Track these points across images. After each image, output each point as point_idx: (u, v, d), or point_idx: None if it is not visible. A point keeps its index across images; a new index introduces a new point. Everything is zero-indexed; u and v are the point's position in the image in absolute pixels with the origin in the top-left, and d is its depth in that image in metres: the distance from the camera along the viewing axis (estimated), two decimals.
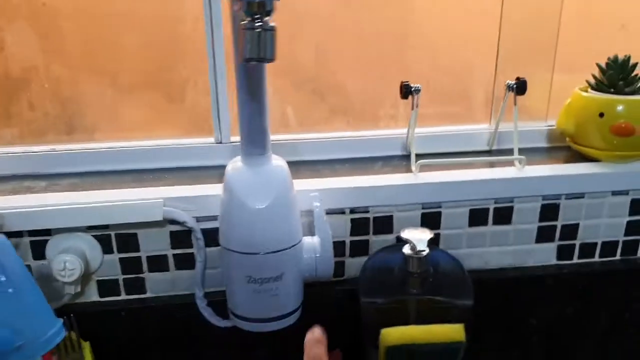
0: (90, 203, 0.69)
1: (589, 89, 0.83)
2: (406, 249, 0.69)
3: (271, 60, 0.45)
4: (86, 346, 0.68)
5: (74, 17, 0.78)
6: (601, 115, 0.77)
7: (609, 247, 0.83)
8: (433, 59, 0.88)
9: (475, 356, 0.71)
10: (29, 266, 0.70)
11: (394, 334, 0.65)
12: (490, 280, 0.79)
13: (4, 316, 0.49)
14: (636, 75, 0.79)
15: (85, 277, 0.72)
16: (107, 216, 0.69)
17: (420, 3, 0.85)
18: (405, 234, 0.68)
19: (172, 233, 0.73)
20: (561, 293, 0.82)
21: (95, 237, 0.72)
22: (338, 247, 0.76)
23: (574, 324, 0.84)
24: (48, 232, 0.70)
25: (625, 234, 0.83)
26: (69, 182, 0.77)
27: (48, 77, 0.80)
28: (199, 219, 0.72)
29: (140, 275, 0.74)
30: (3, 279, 0.50)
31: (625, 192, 0.80)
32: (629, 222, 0.82)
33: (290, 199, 0.64)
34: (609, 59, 0.81)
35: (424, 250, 0.66)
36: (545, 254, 0.82)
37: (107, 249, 0.72)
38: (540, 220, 0.80)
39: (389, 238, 0.77)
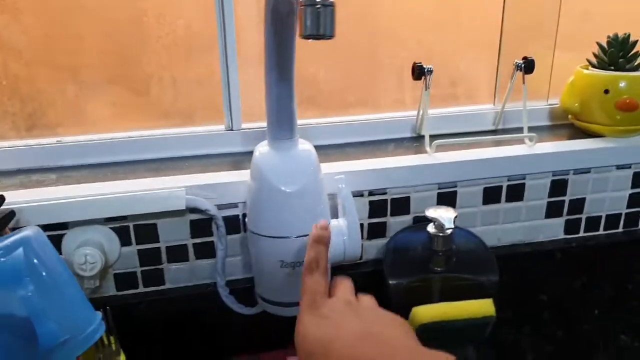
0: (109, 194, 0.67)
1: (590, 67, 0.85)
2: (431, 228, 0.70)
3: (331, 36, 0.45)
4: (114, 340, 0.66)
5: (33, 11, 0.74)
6: (606, 91, 0.80)
7: (612, 220, 0.86)
8: (432, 41, 0.89)
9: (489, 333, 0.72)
10: None
11: (425, 312, 0.65)
12: (503, 256, 0.81)
13: (49, 310, 0.47)
14: (636, 52, 0.82)
15: (102, 271, 0.70)
16: (127, 207, 0.68)
17: None
18: (431, 212, 0.69)
19: (192, 222, 0.72)
20: (569, 267, 0.84)
21: (113, 229, 0.70)
22: None
23: (581, 297, 0.86)
24: (64, 225, 0.68)
25: (628, 207, 0.86)
26: (80, 174, 0.74)
27: (6, 75, 0.76)
28: (219, 207, 0.71)
29: (159, 266, 0.73)
30: (44, 273, 0.48)
31: (628, 166, 0.83)
32: (631, 195, 0.85)
33: (319, 182, 0.64)
34: (608, 37, 0.83)
35: (450, 229, 0.67)
36: (554, 229, 0.84)
37: (124, 241, 0.71)
38: (550, 196, 0.82)
39: (407, 219, 0.78)
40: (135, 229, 0.70)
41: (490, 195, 0.79)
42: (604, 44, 0.84)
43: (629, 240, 0.86)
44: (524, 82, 0.81)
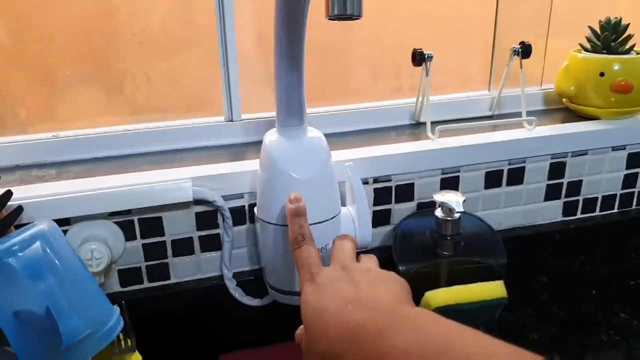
0: (113, 188, 0.65)
1: (583, 51, 0.86)
2: (439, 212, 0.70)
3: (359, 16, 0.44)
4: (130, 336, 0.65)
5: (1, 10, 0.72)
6: (602, 74, 0.81)
7: (608, 201, 0.88)
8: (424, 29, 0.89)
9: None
10: None
11: (438, 296, 0.66)
12: (505, 240, 0.81)
13: (72, 304, 0.46)
14: (628, 35, 0.83)
15: (107, 267, 0.69)
16: (132, 200, 0.66)
17: None
18: (438, 197, 0.69)
19: (197, 214, 0.70)
20: (568, 248, 0.85)
21: (117, 223, 0.68)
22: None
23: (580, 278, 0.88)
24: (67, 221, 0.66)
25: (622, 187, 0.88)
26: (80, 168, 0.72)
27: None
28: (225, 198, 0.70)
29: (165, 260, 0.72)
30: (62, 266, 0.47)
31: (623, 147, 0.85)
32: (626, 176, 0.87)
33: (330, 169, 0.63)
34: (601, 21, 0.85)
35: (459, 212, 0.67)
36: (553, 211, 0.85)
37: (129, 236, 0.69)
38: (549, 178, 0.83)
39: (411, 205, 0.78)
40: (140, 222, 0.69)
41: (492, 179, 0.80)
42: (596, 28, 0.85)
43: (624, 220, 0.88)
44: (521, 67, 0.82)
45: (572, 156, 0.82)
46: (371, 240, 0.68)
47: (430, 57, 0.78)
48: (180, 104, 0.80)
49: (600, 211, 0.88)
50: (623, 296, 0.88)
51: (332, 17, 0.44)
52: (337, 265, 0.50)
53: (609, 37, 0.83)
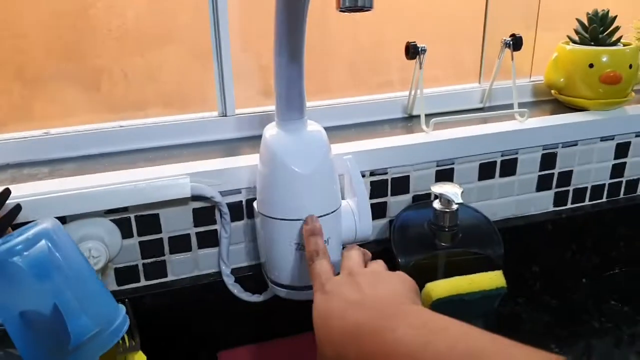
0: (110, 185, 0.64)
1: (571, 43, 0.87)
2: (437, 204, 0.70)
3: (370, 8, 0.44)
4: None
5: None
6: (591, 66, 0.82)
7: (597, 191, 0.89)
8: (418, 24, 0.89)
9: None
10: None
11: (439, 287, 0.66)
12: (499, 230, 0.82)
13: (80, 303, 0.45)
14: (616, 27, 0.85)
15: (103, 266, 0.68)
16: (129, 197, 0.65)
17: None
18: (437, 189, 0.69)
19: (194, 210, 0.70)
20: (559, 238, 0.87)
21: (113, 221, 0.67)
22: None
23: (571, 267, 0.89)
24: (62, 219, 0.64)
25: (611, 177, 0.89)
26: (74, 166, 0.71)
27: None
28: (222, 194, 0.69)
29: (162, 258, 0.71)
30: (67, 265, 0.46)
31: (611, 138, 0.86)
32: (614, 166, 0.89)
33: (330, 162, 0.63)
34: (588, 14, 0.86)
35: (458, 204, 0.68)
36: (545, 202, 0.87)
37: (126, 233, 0.68)
38: (540, 169, 0.84)
39: (406, 198, 0.78)
40: (137, 220, 0.68)
41: (486, 170, 0.81)
42: (584, 21, 0.86)
43: (613, 209, 0.90)
44: (512, 59, 0.83)
45: (562, 147, 0.84)
46: (370, 233, 0.68)
47: (424, 50, 0.78)
48: (158, 100, 0.79)
49: (590, 201, 0.90)
50: (612, 284, 0.90)
51: (343, 9, 0.44)
52: (345, 272, 0.52)
53: (597, 29, 0.84)
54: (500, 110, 0.87)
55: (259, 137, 0.79)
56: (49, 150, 0.73)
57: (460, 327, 0.41)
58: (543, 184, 0.85)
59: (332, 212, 0.63)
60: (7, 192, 0.53)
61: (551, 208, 0.87)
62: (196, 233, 0.71)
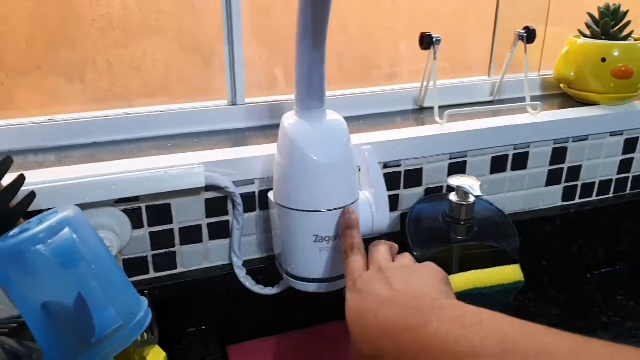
0: (120, 173, 0.62)
1: (582, 37, 0.87)
2: (453, 197, 0.70)
3: None
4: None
5: None
6: (603, 60, 0.82)
7: (604, 186, 0.89)
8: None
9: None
10: None
11: (458, 281, 0.65)
12: None
13: (106, 294, 0.43)
14: (628, 21, 0.84)
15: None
16: (141, 187, 0.63)
17: None
18: (454, 181, 0.68)
19: (207, 201, 0.68)
20: (567, 232, 0.87)
21: (124, 211, 0.65)
22: None
23: (578, 261, 0.89)
24: None
25: (618, 172, 0.90)
26: (81, 153, 0.69)
27: None
28: (235, 184, 0.68)
29: (172, 249, 0.69)
30: (91, 254, 0.44)
31: (620, 133, 0.86)
32: (621, 161, 0.89)
33: (351, 152, 0.62)
34: (600, 8, 0.86)
35: (478, 197, 0.67)
36: (553, 196, 0.86)
37: (136, 224, 0.66)
38: (551, 163, 0.84)
39: (419, 191, 0.77)
40: (148, 210, 0.66)
41: (498, 164, 0.80)
42: (595, 15, 0.86)
43: (619, 204, 0.90)
44: (525, 52, 0.82)
45: (573, 141, 0.83)
46: (387, 225, 0.67)
47: (439, 41, 0.77)
48: (143, 91, 0.77)
49: (597, 196, 0.89)
50: (618, 279, 0.90)
51: None
52: (375, 267, 0.51)
53: (609, 24, 0.84)
54: (510, 103, 0.87)
55: (269, 127, 0.79)
56: (55, 137, 0.71)
57: (493, 318, 0.40)
58: (553, 178, 0.85)
59: (351, 204, 0.62)
60: (22, 178, 0.51)
61: (559, 203, 0.87)
62: (208, 224, 0.69)
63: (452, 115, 0.77)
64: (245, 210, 0.70)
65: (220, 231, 0.70)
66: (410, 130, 0.76)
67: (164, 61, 0.76)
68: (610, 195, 0.91)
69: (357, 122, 0.82)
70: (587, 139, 0.84)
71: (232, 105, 0.78)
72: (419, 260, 0.68)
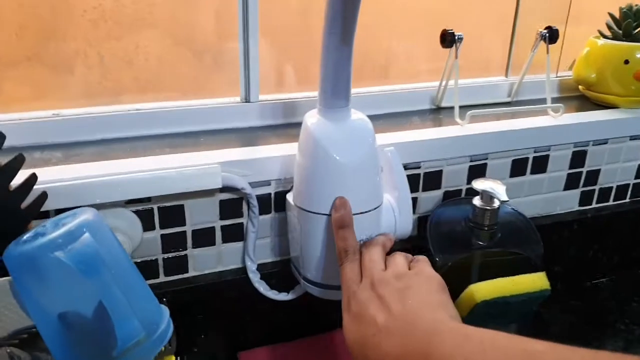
0: (132, 172, 0.59)
1: (602, 38, 0.85)
2: (477, 201, 0.67)
3: None
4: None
5: None
6: (626, 62, 0.80)
7: (621, 191, 0.87)
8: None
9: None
10: None
11: (484, 289, 0.63)
12: None
13: (129, 304, 0.40)
14: None
15: None
16: (154, 187, 0.60)
17: None
18: (478, 185, 0.66)
19: (221, 202, 0.65)
20: (584, 237, 0.85)
21: (135, 212, 0.62)
22: None
23: (593, 266, 0.87)
24: None
25: (636, 177, 0.88)
26: (90, 151, 0.65)
27: None
28: (251, 185, 0.65)
29: (183, 252, 0.66)
30: (113, 261, 0.41)
31: (639, 137, 0.84)
32: (639, 166, 0.87)
33: (376, 153, 0.59)
34: (621, 8, 0.84)
35: (504, 201, 0.65)
36: (570, 201, 0.84)
37: (147, 225, 0.63)
38: (570, 167, 0.82)
39: (437, 194, 0.75)
40: (160, 211, 0.63)
41: (518, 167, 0.78)
42: (616, 15, 0.84)
43: (635, 209, 0.88)
44: (547, 52, 0.80)
45: (593, 145, 0.81)
46: (410, 231, 0.64)
47: (461, 39, 0.75)
48: (134, 85, 0.73)
49: (614, 201, 0.88)
50: (634, 285, 0.89)
51: None
52: (367, 281, 0.49)
53: (631, 24, 0.82)
54: (528, 105, 0.85)
55: (283, 125, 0.76)
56: (61, 133, 0.67)
57: (494, 339, 0.39)
58: (571, 182, 0.83)
59: (376, 208, 0.59)
60: (33, 178, 0.48)
61: (576, 207, 0.85)
62: (221, 226, 0.66)
63: (473, 116, 0.75)
64: (260, 213, 0.67)
65: (234, 234, 0.67)
66: (431, 131, 0.73)
67: (156, 55, 0.73)
68: (627, 200, 0.89)
69: (373, 121, 0.79)
70: (607, 143, 0.82)
71: (246, 102, 0.75)
72: (441, 266, 0.66)
